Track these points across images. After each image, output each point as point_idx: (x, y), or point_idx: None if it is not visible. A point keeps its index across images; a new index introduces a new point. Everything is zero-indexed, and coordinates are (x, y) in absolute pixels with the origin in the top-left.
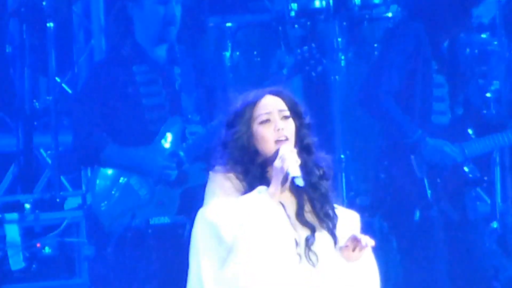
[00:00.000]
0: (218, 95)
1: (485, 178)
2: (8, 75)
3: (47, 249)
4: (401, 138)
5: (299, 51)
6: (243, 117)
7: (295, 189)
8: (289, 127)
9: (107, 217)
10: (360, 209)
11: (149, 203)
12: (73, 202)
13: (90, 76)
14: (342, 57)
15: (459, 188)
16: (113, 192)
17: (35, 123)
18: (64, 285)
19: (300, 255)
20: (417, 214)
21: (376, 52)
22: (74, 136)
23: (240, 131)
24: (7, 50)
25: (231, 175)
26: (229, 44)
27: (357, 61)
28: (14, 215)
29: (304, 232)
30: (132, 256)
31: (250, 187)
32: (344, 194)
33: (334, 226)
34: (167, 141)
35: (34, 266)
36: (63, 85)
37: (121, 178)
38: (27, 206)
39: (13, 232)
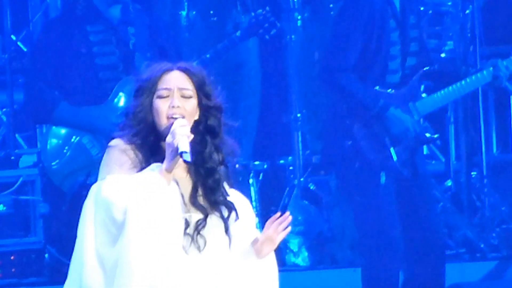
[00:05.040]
0: (172, 54)
1: (436, 135)
2: None
3: (1, 207)
4: (364, 110)
5: (253, 14)
6: (146, 90)
7: (193, 170)
8: (188, 106)
9: (58, 176)
10: (315, 167)
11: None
12: (28, 160)
13: (43, 33)
14: (299, 17)
15: (411, 146)
16: (65, 151)
17: None
18: (19, 243)
19: (190, 236)
20: (383, 178)
21: (332, 12)
22: (26, 94)
23: (142, 104)
24: None
25: (129, 148)
26: (186, 3)
27: (313, 20)
28: None
29: (197, 215)
30: None
31: (146, 161)
32: (300, 152)
33: (227, 213)
34: (120, 100)
35: None
36: (18, 43)
37: (73, 137)
38: None
39: None
